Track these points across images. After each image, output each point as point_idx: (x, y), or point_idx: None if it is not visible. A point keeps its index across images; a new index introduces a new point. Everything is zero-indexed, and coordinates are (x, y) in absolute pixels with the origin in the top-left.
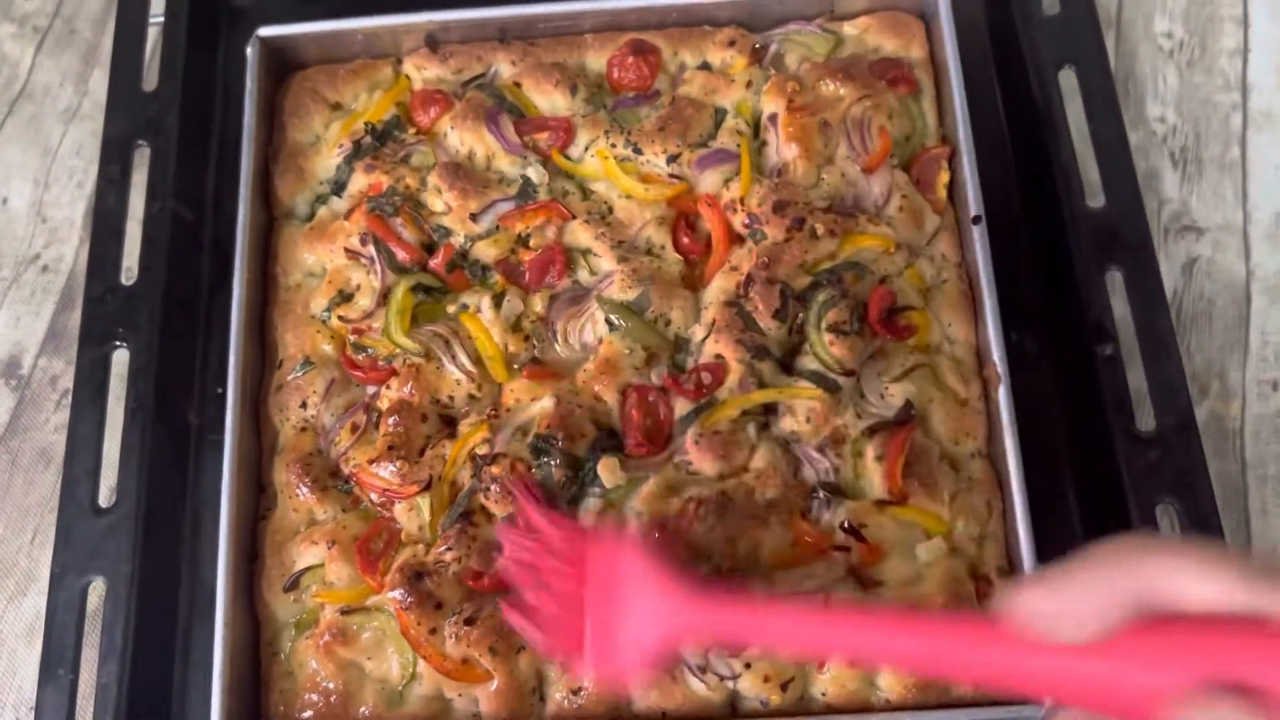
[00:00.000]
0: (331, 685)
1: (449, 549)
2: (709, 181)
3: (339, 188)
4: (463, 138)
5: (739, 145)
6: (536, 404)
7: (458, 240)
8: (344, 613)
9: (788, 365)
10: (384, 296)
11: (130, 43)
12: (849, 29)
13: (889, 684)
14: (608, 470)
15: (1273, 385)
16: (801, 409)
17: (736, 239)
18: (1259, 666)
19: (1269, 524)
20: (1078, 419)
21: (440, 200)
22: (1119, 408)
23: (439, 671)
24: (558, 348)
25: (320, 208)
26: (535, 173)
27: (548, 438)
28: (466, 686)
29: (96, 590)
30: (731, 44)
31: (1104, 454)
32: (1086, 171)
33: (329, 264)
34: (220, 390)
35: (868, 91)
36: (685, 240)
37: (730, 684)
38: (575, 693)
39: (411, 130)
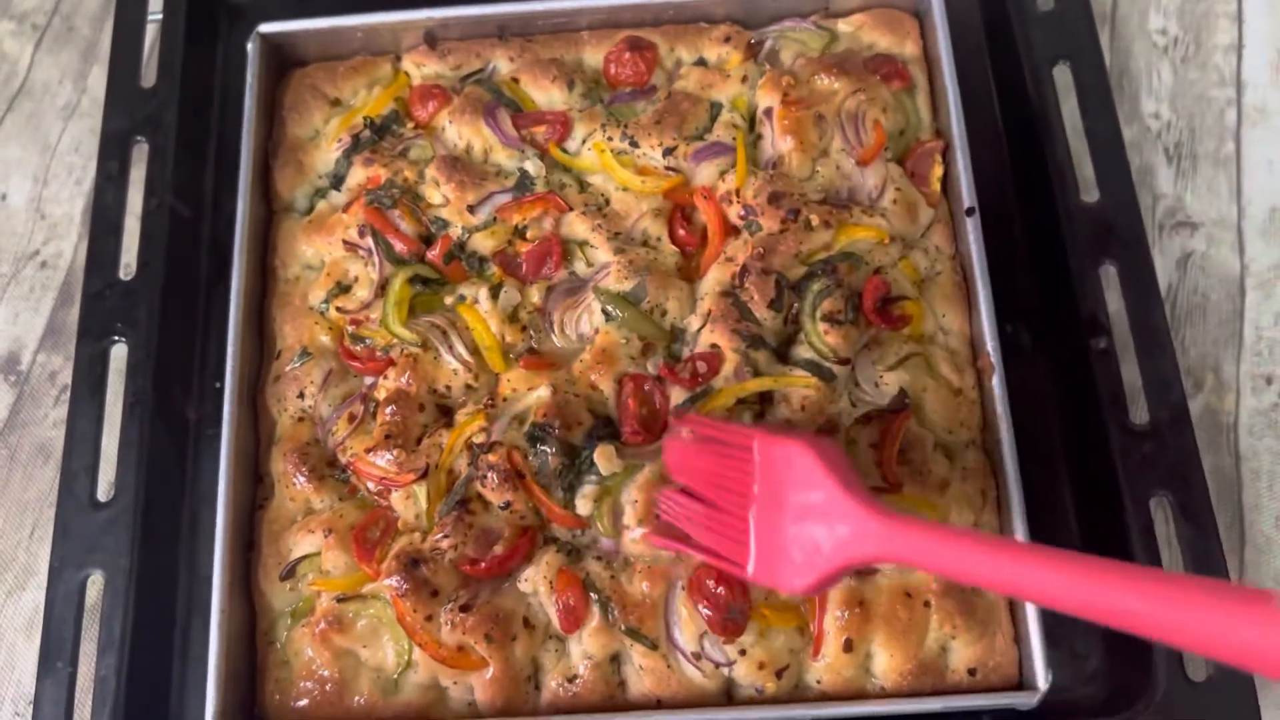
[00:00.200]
0: (327, 673)
1: (445, 536)
2: (705, 174)
3: (338, 181)
4: (461, 131)
5: (734, 138)
6: (533, 393)
7: (455, 232)
8: (340, 600)
9: (783, 354)
10: (382, 288)
11: (129, 40)
12: (843, 26)
13: (883, 671)
14: (604, 458)
15: (1266, 379)
16: (796, 397)
17: (732, 230)
18: None
19: (1262, 517)
20: (1072, 413)
21: (438, 193)
22: (1113, 401)
23: (434, 659)
24: (554, 338)
25: (319, 201)
26: (533, 166)
27: (544, 426)
28: (462, 674)
29: (95, 584)
30: (727, 40)
31: (1098, 447)
32: (1081, 167)
33: (327, 256)
34: (218, 385)
35: (862, 85)
36: (681, 232)
37: (725, 671)
38: (570, 680)
39: (410, 125)
